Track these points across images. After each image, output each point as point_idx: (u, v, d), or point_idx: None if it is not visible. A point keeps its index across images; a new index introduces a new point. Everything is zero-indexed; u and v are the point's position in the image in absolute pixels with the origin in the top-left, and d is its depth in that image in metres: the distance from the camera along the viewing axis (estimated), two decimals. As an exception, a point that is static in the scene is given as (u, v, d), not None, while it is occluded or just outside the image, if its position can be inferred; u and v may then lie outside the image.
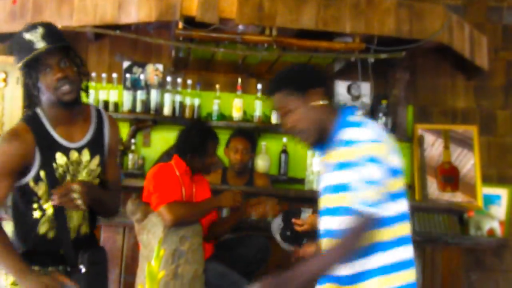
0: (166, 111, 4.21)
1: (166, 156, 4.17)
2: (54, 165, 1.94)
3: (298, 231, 2.48)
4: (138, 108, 4.21)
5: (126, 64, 4.35)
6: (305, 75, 1.78)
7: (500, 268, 4.50)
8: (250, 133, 3.89)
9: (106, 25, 3.86)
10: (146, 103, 4.22)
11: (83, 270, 1.93)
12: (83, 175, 1.99)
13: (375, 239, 1.64)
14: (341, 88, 4.50)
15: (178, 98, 4.24)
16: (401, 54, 4.01)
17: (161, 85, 4.30)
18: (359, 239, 1.59)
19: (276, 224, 2.65)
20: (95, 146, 2.02)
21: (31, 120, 1.95)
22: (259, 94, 4.30)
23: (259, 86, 4.30)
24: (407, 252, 1.68)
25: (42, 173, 1.93)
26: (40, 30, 1.87)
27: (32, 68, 1.88)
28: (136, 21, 3.84)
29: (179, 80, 4.28)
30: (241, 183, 3.74)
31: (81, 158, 1.99)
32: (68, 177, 1.96)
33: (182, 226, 2.75)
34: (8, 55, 4.14)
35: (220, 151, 3.80)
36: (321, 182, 1.77)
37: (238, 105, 4.26)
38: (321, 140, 1.73)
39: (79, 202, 1.85)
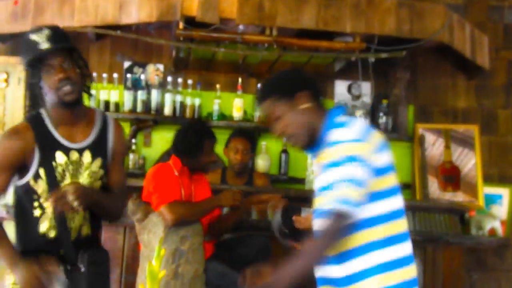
0: (167, 111, 4.22)
1: (167, 156, 4.16)
2: (53, 163, 1.97)
3: (297, 228, 2.48)
4: (139, 108, 4.22)
5: (127, 64, 4.35)
6: (290, 80, 1.81)
7: (501, 268, 4.50)
8: (250, 133, 3.89)
9: (107, 25, 3.87)
10: (146, 103, 4.23)
11: (82, 269, 1.94)
12: (84, 177, 2.00)
13: (368, 239, 1.64)
14: (341, 87, 4.51)
15: (178, 98, 4.25)
16: (402, 53, 4.01)
17: (162, 85, 4.31)
18: (333, 238, 1.59)
19: (276, 219, 2.65)
20: (97, 148, 2.03)
21: (33, 119, 2.01)
22: (259, 94, 4.30)
23: (260, 86, 4.31)
24: (403, 249, 1.68)
25: (41, 171, 1.96)
26: (46, 32, 1.92)
27: (36, 68, 1.92)
28: (137, 21, 3.85)
29: (179, 80, 4.29)
30: (240, 183, 3.74)
31: (82, 159, 2.01)
32: (68, 176, 1.98)
33: (183, 226, 2.75)
34: (9, 56, 4.15)
35: (220, 151, 3.81)
36: (315, 183, 1.79)
37: (239, 105, 4.26)
38: (312, 142, 1.75)
39: (75, 204, 1.85)
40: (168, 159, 2.99)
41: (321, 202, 1.63)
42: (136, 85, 4.29)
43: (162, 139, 4.37)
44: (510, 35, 4.71)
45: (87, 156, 2.01)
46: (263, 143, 4.34)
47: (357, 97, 4.49)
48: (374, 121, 4.44)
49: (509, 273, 4.49)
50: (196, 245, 2.79)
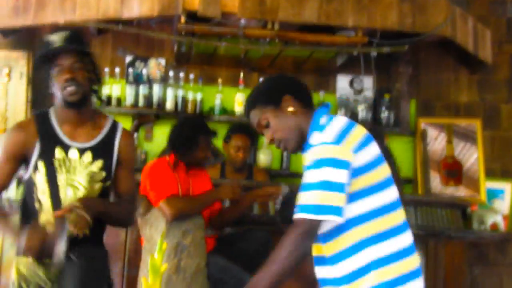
0: (169, 105, 4.22)
1: (168, 150, 4.17)
2: (52, 158, 2.04)
3: None
4: (141, 102, 4.21)
5: (128, 58, 4.35)
6: (274, 86, 1.81)
7: (503, 262, 4.49)
8: (250, 129, 3.87)
9: (108, 20, 3.86)
10: (148, 98, 4.23)
11: (74, 259, 1.96)
12: (82, 175, 2.05)
13: (359, 237, 1.63)
14: (343, 82, 4.50)
15: (180, 92, 4.25)
16: (404, 48, 4.00)
17: (164, 80, 4.31)
18: (295, 245, 1.57)
19: (278, 206, 2.67)
20: (100, 151, 2.08)
21: (39, 115, 2.11)
22: (261, 89, 4.29)
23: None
24: (398, 242, 1.66)
25: (40, 164, 2.03)
26: (64, 34, 2.01)
27: (47, 66, 2.01)
28: (139, 16, 3.84)
29: (181, 74, 4.29)
30: (240, 178, 3.73)
31: (82, 159, 2.06)
32: (64, 172, 2.03)
33: (183, 220, 2.76)
34: (11, 50, 4.15)
35: (221, 145, 3.81)
36: None
37: (240, 99, 4.26)
38: (302, 144, 1.76)
39: (88, 219, 1.89)
40: (169, 154, 3.00)
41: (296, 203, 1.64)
42: (138, 80, 4.29)
43: (164, 134, 4.34)
44: (513, 29, 4.70)
45: (87, 156, 2.07)
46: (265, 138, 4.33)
47: (359, 92, 4.48)
48: (376, 116, 4.43)
49: (511, 267, 4.49)
50: (198, 239, 2.80)
